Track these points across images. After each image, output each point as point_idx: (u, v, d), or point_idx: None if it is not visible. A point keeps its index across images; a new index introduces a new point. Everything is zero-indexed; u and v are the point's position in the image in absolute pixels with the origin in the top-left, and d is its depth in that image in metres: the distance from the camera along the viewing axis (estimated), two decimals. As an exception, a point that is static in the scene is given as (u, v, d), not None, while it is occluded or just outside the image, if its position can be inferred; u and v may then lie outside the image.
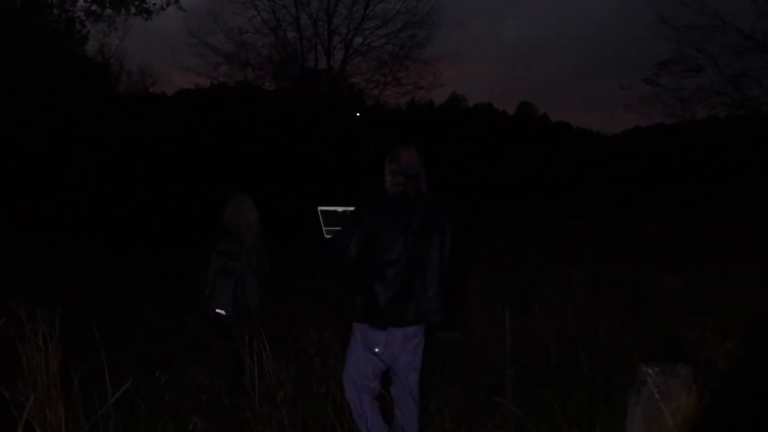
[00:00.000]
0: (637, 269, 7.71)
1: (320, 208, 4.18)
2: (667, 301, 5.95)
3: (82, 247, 13.45)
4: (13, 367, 3.59)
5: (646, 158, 30.51)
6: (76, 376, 3.51)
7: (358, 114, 24.93)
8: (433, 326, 3.95)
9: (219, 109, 22.73)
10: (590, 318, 4.90)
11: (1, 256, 10.52)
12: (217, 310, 4.96)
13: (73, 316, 3.95)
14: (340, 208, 4.14)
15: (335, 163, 21.49)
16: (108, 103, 20.82)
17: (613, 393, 4.35)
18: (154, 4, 15.93)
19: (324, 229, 4.17)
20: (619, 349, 4.66)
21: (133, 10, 15.91)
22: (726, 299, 5.62)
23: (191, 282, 6.82)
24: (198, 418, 3.87)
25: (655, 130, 33.40)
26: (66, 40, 17.83)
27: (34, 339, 3.48)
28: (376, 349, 3.79)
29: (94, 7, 16.18)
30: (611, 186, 23.72)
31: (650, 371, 4.00)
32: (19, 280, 7.69)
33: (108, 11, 16.17)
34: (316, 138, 21.35)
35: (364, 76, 23.87)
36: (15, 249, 12.12)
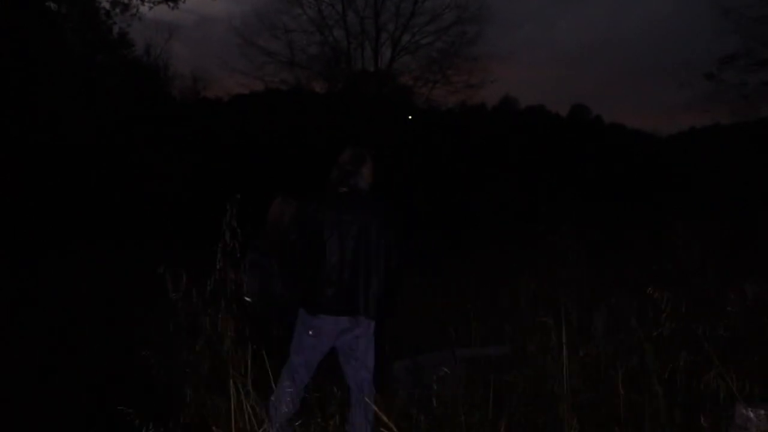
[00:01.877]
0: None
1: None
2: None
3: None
4: None
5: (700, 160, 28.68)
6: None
7: (410, 117, 23.95)
8: (372, 320, 3.88)
9: (271, 113, 21.99)
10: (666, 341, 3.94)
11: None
12: (246, 298, 5.07)
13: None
14: None
15: (389, 165, 20.55)
16: (163, 109, 20.50)
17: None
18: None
19: None
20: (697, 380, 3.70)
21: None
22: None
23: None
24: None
25: (712, 131, 31.55)
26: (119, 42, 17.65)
27: None
28: (310, 332, 3.88)
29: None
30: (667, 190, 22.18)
31: (752, 414, 3.09)
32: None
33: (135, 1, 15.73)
34: (366, 142, 20.49)
35: (413, 74, 22.78)
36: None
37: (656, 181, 25.83)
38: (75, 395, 5.12)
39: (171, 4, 15.75)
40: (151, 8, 16.75)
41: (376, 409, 3.41)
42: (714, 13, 21.92)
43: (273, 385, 3.94)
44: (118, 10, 16.28)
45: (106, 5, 16.47)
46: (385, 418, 3.06)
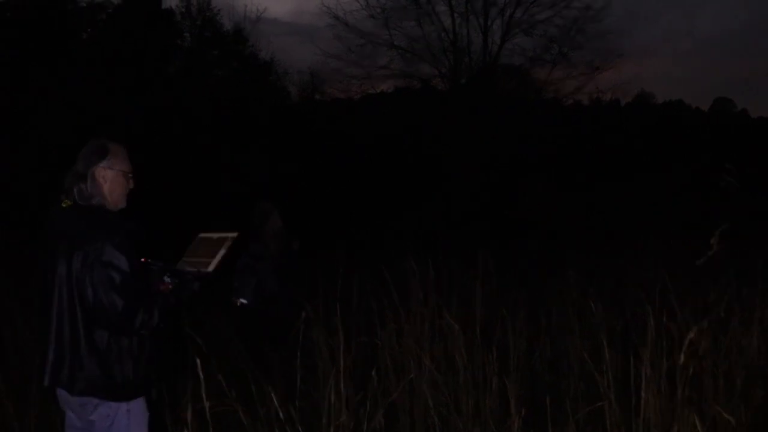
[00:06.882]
0: None
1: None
2: None
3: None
4: None
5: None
6: None
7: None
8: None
9: (380, 114, 19.96)
10: None
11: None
12: (241, 300, 5.26)
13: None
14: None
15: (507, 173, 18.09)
16: (282, 108, 19.41)
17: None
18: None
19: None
20: None
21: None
22: None
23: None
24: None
25: None
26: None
27: None
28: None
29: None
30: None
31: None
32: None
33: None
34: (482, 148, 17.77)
35: (527, 55, 18.83)
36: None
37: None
38: None
39: None
40: None
41: None
42: None
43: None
44: None
45: None
46: None
